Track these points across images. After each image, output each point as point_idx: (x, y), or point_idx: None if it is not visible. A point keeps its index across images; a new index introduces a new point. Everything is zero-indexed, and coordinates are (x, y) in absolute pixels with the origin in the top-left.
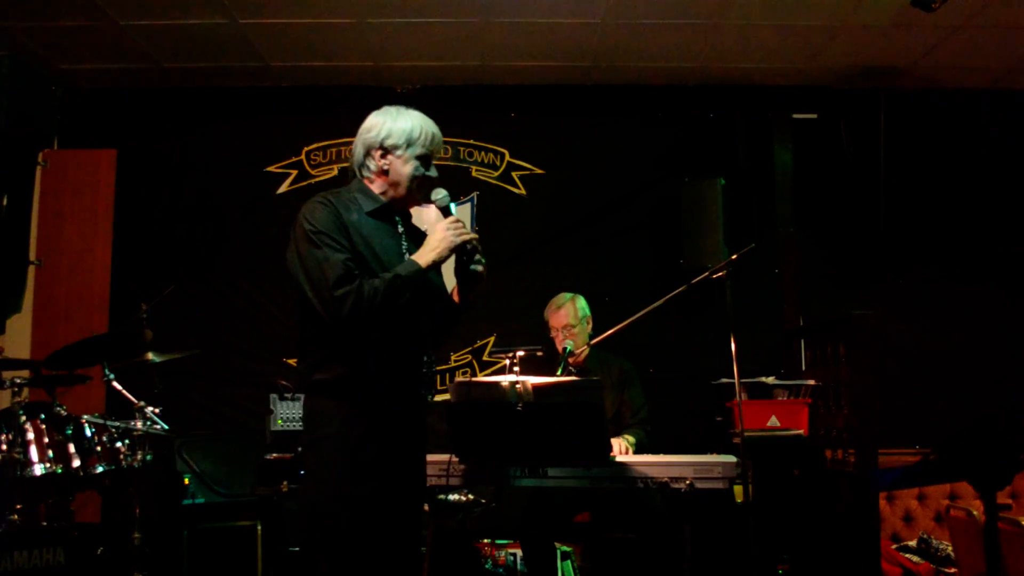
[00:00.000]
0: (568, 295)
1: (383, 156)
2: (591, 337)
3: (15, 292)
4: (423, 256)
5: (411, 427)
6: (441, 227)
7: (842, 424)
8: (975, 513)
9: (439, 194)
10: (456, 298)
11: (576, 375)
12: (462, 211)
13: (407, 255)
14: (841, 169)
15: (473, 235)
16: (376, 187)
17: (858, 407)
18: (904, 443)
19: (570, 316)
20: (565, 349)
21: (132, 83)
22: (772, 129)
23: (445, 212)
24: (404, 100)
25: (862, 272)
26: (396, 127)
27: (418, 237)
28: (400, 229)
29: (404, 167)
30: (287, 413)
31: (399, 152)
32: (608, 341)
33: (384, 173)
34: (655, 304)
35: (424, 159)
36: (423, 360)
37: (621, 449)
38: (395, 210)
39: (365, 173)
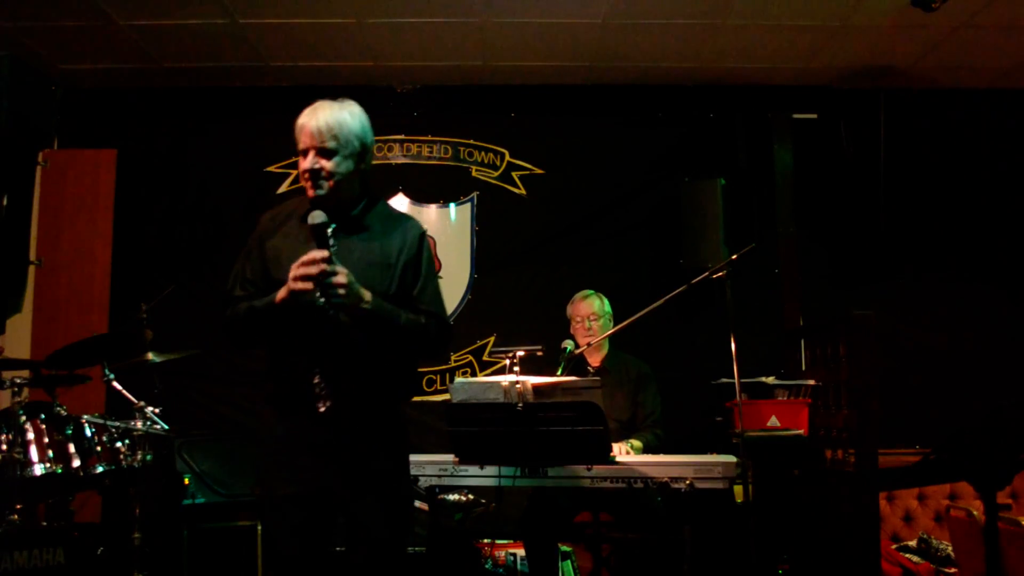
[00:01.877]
0: (592, 291)
1: None
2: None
3: (15, 292)
4: (279, 292)
5: (319, 442)
6: (294, 265)
7: (842, 424)
8: (975, 513)
9: (314, 216)
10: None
11: (593, 375)
12: (461, 211)
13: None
14: (841, 169)
15: (307, 286)
16: None
17: (858, 407)
18: (904, 443)
19: (595, 306)
20: (565, 349)
21: (132, 83)
22: (772, 129)
23: (318, 237)
24: (404, 100)
25: (862, 272)
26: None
27: (364, 236)
28: (330, 230)
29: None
30: None
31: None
32: (618, 342)
33: None
34: (655, 304)
35: (303, 152)
36: (315, 375)
37: (622, 453)
38: (329, 210)
39: None
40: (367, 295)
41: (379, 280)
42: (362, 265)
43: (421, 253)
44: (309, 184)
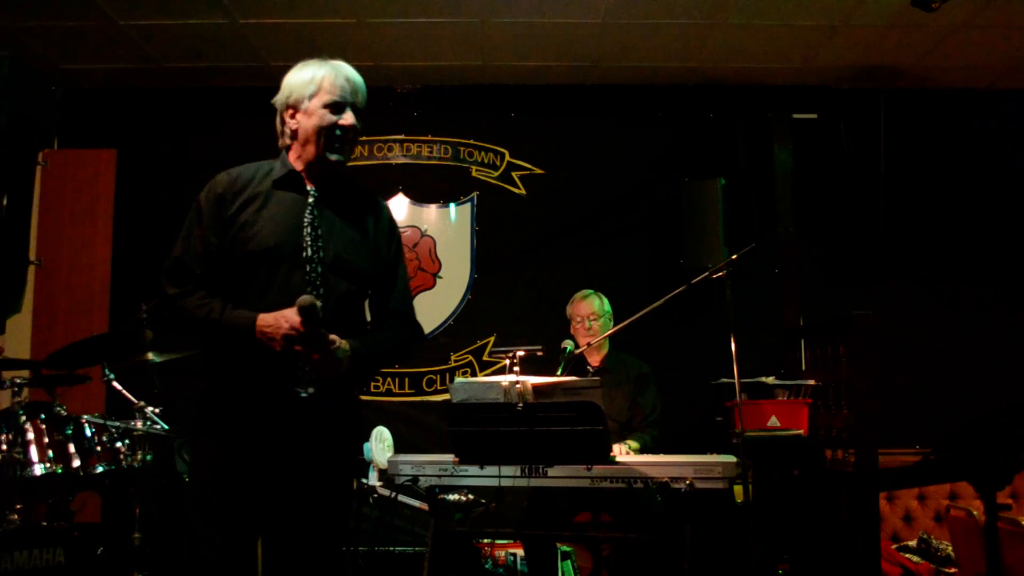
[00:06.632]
0: (591, 291)
1: (292, 116)
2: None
3: (15, 292)
4: (264, 324)
5: (288, 426)
6: (285, 325)
7: (842, 424)
8: (975, 513)
9: (303, 301)
10: None
11: (593, 375)
12: (461, 211)
13: (310, 229)
14: (841, 169)
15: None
16: (292, 154)
17: (858, 407)
18: (904, 443)
19: (595, 306)
20: (565, 349)
21: (132, 83)
22: (772, 129)
23: (308, 319)
24: (404, 100)
25: (862, 272)
26: (296, 79)
27: (343, 209)
28: (311, 199)
29: (309, 121)
30: None
31: (304, 105)
32: (618, 342)
33: (295, 135)
34: (655, 304)
35: (334, 106)
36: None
37: (621, 454)
38: (313, 177)
39: (286, 141)
40: (344, 349)
41: (364, 258)
42: (347, 242)
43: (392, 241)
44: (337, 145)
